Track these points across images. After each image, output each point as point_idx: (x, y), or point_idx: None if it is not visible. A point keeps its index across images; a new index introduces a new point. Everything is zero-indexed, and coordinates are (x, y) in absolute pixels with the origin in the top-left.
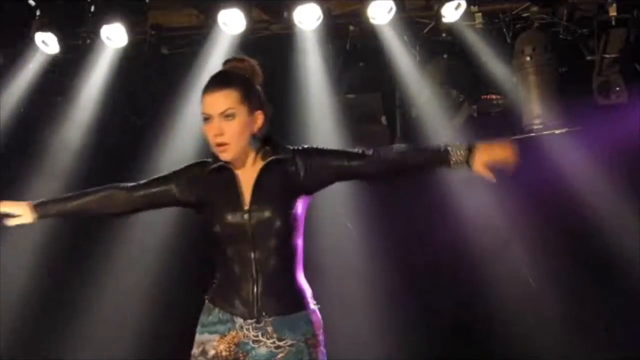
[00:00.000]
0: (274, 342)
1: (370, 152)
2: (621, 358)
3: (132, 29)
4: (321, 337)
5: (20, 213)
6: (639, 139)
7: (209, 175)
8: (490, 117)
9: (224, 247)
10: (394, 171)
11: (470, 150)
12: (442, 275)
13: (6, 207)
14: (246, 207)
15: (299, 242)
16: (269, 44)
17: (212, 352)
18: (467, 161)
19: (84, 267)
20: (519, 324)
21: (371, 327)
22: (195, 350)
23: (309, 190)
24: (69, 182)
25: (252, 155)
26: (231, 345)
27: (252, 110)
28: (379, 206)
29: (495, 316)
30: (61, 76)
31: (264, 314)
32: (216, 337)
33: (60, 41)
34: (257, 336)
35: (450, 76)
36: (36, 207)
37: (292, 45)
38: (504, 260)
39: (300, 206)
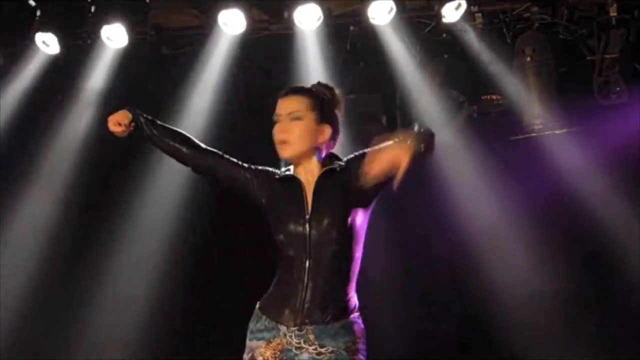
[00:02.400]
0: (315, 349)
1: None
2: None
3: (132, 29)
4: (361, 345)
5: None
6: (639, 139)
7: (278, 182)
8: (491, 117)
9: (285, 254)
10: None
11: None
12: (442, 275)
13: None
14: (307, 216)
15: (357, 253)
16: (269, 44)
17: (259, 359)
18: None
19: (83, 268)
20: (518, 325)
21: (371, 325)
22: (245, 356)
23: (365, 196)
24: (69, 182)
25: (317, 166)
26: (276, 351)
27: (320, 120)
28: (377, 206)
29: (493, 313)
30: (61, 76)
31: (306, 321)
32: (263, 343)
33: (61, 41)
34: (299, 343)
35: (450, 76)
36: (135, 120)
37: (292, 46)
38: (503, 259)
39: (359, 217)
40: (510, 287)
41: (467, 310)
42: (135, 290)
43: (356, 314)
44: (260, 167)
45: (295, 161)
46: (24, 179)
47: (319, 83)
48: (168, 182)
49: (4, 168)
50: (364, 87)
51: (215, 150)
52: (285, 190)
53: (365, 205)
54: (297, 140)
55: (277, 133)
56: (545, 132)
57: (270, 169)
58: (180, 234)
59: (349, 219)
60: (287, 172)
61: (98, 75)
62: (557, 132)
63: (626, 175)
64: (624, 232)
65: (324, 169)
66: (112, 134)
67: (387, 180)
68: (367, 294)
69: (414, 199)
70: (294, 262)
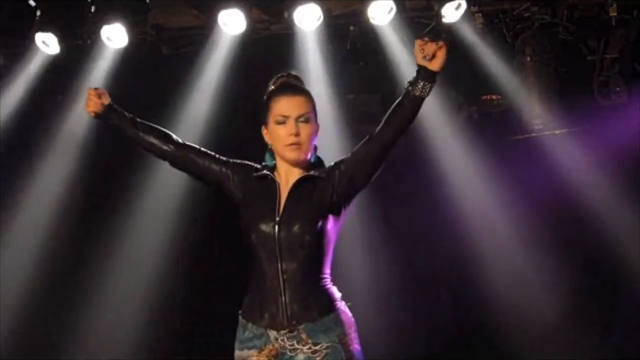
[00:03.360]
0: (310, 348)
1: (368, 135)
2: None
3: (132, 29)
4: (354, 335)
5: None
6: (639, 139)
7: (255, 180)
8: (491, 118)
9: (257, 256)
10: (398, 125)
11: (417, 73)
12: (442, 276)
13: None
14: (277, 218)
15: (329, 253)
16: (269, 44)
17: None
18: (421, 77)
19: (83, 268)
20: (518, 326)
21: (369, 325)
22: None
23: (340, 203)
24: (69, 182)
25: (303, 168)
26: (270, 357)
27: (316, 121)
28: (379, 207)
29: (495, 315)
30: (61, 76)
31: (294, 322)
32: (254, 352)
33: (61, 41)
34: (292, 345)
35: (450, 76)
36: (107, 110)
37: (292, 46)
38: (504, 261)
39: (330, 222)
40: (510, 289)
41: (467, 312)
42: (135, 290)
43: (341, 304)
44: (239, 162)
45: (293, 162)
46: (24, 179)
47: (296, 77)
48: (168, 180)
49: (4, 168)
50: (364, 87)
51: (193, 145)
52: (260, 189)
53: (337, 214)
54: (307, 143)
55: (289, 137)
56: (545, 132)
57: (249, 163)
58: (180, 232)
59: (321, 225)
60: (265, 171)
61: (98, 75)
62: (557, 132)
63: (626, 175)
64: (624, 232)
65: (304, 174)
66: (96, 117)
67: (366, 179)
68: (366, 294)
69: (414, 200)
70: (266, 265)
